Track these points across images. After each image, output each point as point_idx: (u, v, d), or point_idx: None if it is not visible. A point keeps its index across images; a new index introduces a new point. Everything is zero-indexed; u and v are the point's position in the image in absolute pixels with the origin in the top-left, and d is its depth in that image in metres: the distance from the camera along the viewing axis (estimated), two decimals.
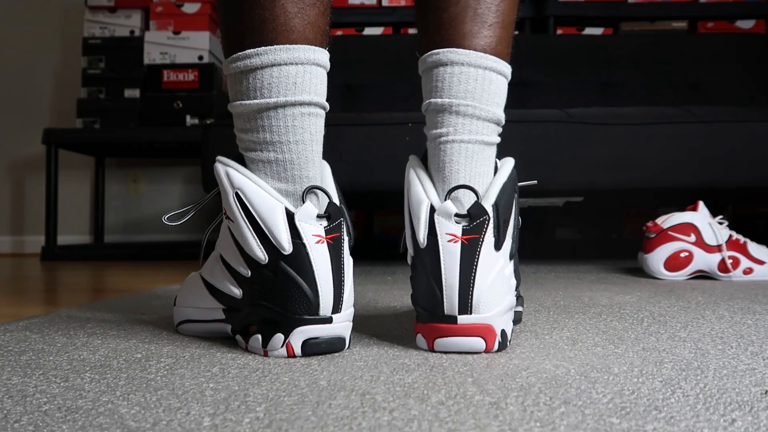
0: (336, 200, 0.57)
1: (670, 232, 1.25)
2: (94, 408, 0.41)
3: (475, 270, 0.54)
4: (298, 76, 0.55)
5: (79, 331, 0.69)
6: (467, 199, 0.56)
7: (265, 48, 0.55)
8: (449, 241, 0.54)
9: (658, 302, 0.89)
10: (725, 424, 0.36)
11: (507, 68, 0.60)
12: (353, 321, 0.58)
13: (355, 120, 1.43)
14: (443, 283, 0.54)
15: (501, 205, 0.56)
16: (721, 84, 2.04)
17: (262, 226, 0.54)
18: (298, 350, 0.54)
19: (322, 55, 0.57)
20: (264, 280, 0.55)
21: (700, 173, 1.40)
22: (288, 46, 0.55)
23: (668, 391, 0.43)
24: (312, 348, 0.54)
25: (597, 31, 2.37)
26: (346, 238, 0.56)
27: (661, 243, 1.25)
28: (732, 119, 1.42)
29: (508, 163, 0.60)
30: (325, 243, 0.54)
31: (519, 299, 0.69)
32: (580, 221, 2.31)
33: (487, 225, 0.54)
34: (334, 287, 0.54)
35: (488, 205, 0.55)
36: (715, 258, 1.23)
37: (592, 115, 1.43)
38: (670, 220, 1.26)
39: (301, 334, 0.53)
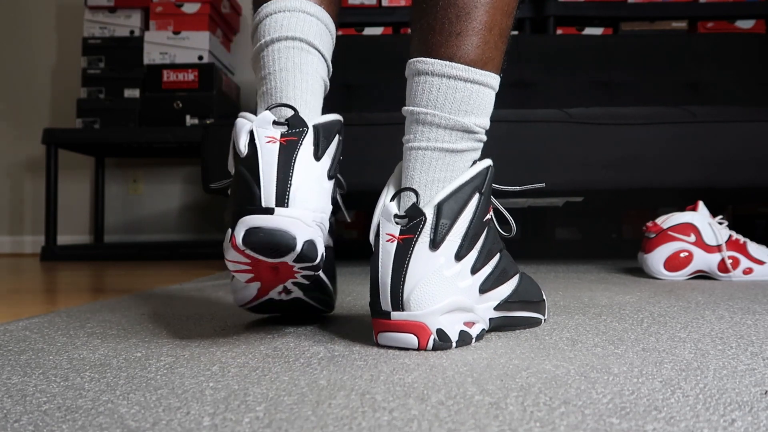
0: (309, 113, 0.60)
1: (670, 232, 1.25)
2: (94, 407, 0.41)
3: (407, 268, 0.55)
4: (284, 20, 0.62)
5: (79, 330, 0.69)
6: (410, 201, 0.58)
7: (264, 5, 0.64)
8: (387, 240, 0.56)
9: (658, 302, 0.89)
10: (725, 424, 0.36)
11: (480, 76, 0.59)
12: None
13: (355, 120, 1.43)
14: (379, 280, 0.56)
15: (445, 207, 0.56)
16: (721, 84, 2.04)
17: (233, 144, 0.58)
18: (239, 240, 0.53)
19: (311, 7, 0.63)
20: (230, 187, 0.58)
21: (700, 173, 1.40)
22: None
23: (668, 392, 0.43)
24: (251, 237, 0.53)
25: (597, 31, 2.37)
26: (306, 146, 0.56)
27: (661, 243, 1.25)
28: (732, 119, 1.42)
29: (477, 167, 0.59)
30: (278, 143, 0.56)
31: (533, 304, 0.68)
32: (580, 221, 2.31)
33: (423, 225, 0.55)
34: (277, 181, 0.54)
35: (430, 206, 0.56)
36: (715, 258, 1.23)
37: (592, 115, 1.43)
38: (670, 220, 1.26)
39: (243, 225, 0.53)
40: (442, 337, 0.56)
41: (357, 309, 0.83)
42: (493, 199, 0.63)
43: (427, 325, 0.55)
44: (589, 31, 2.37)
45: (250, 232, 0.53)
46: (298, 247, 0.53)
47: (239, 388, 0.45)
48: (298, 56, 0.61)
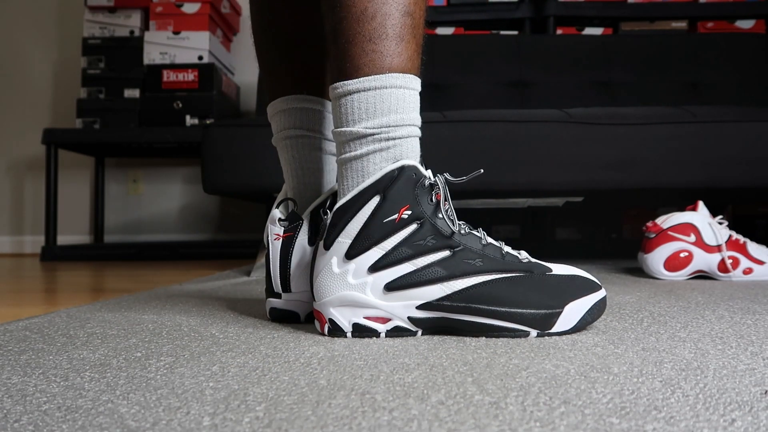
0: (309, 207, 0.72)
1: (669, 232, 1.25)
2: (94, 407, 0.41)
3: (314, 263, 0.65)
4: (275, 119, 0.78)
5: (79, 330, 0.69)
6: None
7: (270, 105, 0.79)
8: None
9: (658, 302, 0.89)
10: (725, 424, 0.36)
11: (353, 84, 0.61)
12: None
13: None
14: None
15: (338, 212, 0.64)
16: (721, 84, 2.04)
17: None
18: (267, 314, 0.74)
19: (287, 103, 0.76)
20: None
21: (700, 173, 1.40)
22: (273, 102, 0.78)
23: (668, 391, 0.43)
24: (272, 313, 0.73)
25: (597, 31, 2.37)
26: (302, 236, 0.70)
27: (661, 243, 1.25)
28: (732, 119, 1.42)
29: (381, 171, 0.68)
30: (280, 240, 0.71)
31: (506, 313, 0.68)
32: (580, 221, 2.31)
33: (321, 227, 0.65)
34: (280, 272, 0.71)
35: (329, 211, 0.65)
36: (714, 258, 1.23)
37: (592, 115, 1.43)
38: (669, 220, 1.26)
39: (269, 304, 0.73)
40: (335, 327, 0.63)
41: None
42: (444, 191, 0.63)
43: (323, 314, 0.63)
44: (589, 31, 2.37)
45: (271, 310, 0.73)
46: (302, 318, 0.72)
47: (239, 388, 0.45)
48: (289, 146, 0.75)
